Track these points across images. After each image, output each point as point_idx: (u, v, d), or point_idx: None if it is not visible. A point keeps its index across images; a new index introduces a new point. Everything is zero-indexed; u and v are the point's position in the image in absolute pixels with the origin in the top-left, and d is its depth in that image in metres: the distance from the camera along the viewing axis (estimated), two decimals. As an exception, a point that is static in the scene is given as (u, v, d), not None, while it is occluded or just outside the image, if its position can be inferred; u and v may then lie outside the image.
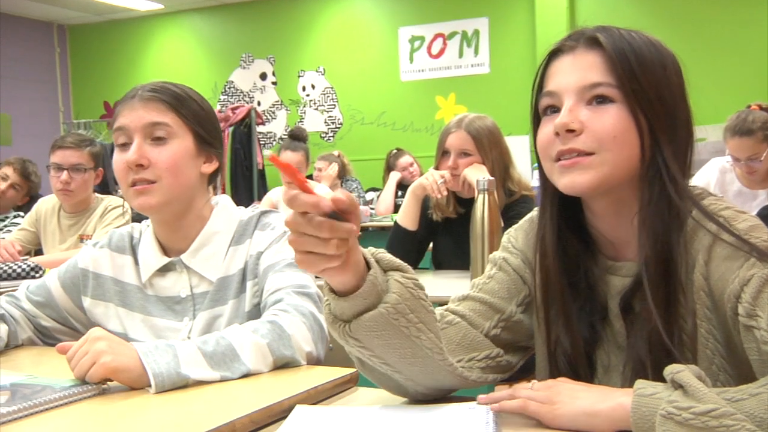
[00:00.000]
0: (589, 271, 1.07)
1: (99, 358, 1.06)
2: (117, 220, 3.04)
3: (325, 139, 8.37)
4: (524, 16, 7.33)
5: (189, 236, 1.42)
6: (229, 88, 8.89)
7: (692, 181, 1.04)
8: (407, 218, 2.51)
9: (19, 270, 2.62)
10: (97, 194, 3.19)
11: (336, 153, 5.83)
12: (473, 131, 2.43)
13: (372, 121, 8.15)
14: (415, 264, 2.54)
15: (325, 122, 8.42)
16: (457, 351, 1.06)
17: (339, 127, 8.36)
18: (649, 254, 0.97)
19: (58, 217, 3.15)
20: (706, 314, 0.96)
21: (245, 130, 7.49)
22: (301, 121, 8.45)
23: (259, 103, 8.64)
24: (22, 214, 3.56)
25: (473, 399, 0.98)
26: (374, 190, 6.56)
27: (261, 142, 8.00)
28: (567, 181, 0.99)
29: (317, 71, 8.42)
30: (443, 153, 2.48)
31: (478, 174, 2.29)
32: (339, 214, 0.81)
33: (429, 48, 7.86)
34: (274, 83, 8.68)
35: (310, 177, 5.09)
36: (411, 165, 5.79)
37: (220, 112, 7.29)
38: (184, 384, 1.09)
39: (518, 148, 6.07)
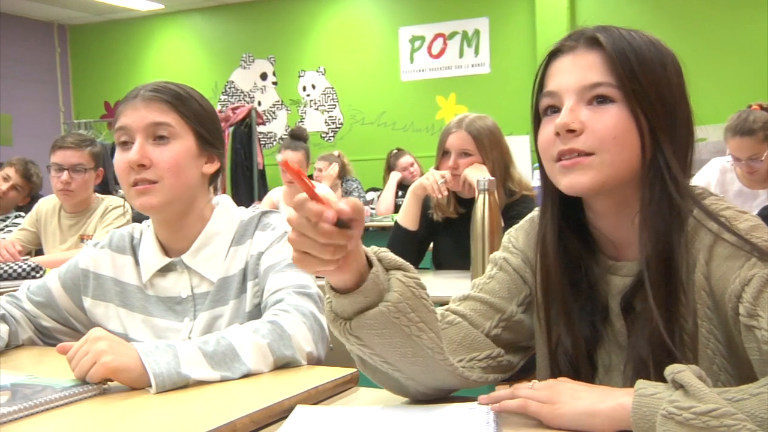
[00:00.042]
0: (590, 271, 1.07)
1: (99, 358, 1.06)
2: (117, 220, 3.04)
3: (326, 139, 8.37)
4: (524, 16, 7.33)
5: (190, 236, 1.42)
6: (230, 88, 8.89)
7: (693, 180, 1.03)
8: (408, 218, 2.51)
9: (19, 270, 2.62)
10: (97, 194, 3.19)
11: (336, 153, 5.83)
12: (474, 131, 2.42)
13: (372, 121, 8.15)
14: (415, 264, 2.53)
15: (326, 122, 8.42)
16: (458, 351, 1.06)
17: (339, 127, 8.36)
18: (650, 254, 0.97)
19: (59, 217, 3.15)
20: (707, 314, 0.96)
21: (246, 130, 7.49)
22: (301, 121, 8.45)
23: (259, 103, 8.64)
24: (23, 214, 3.56)
25: (474, 399, 0.98)
26: (375, 190, 6.56)
27: (261, 142, 8.01)
28: (568, 182, 0.99)
29: (318, 71, 8.42)
30: (444, 153, 2.48)
31: (478, 174, 2.29)
32: (343, 220, 0.81)
33: (429, 48, 7.86)
34: (274, 83, 8.68)
35: (310, 177, 5.08)
36: (411, 165, 5.79)
37: (220, 112, 7.29)
38: (184, 384, 1.09)
39: (519, 148, 6.08)
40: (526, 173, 5.59)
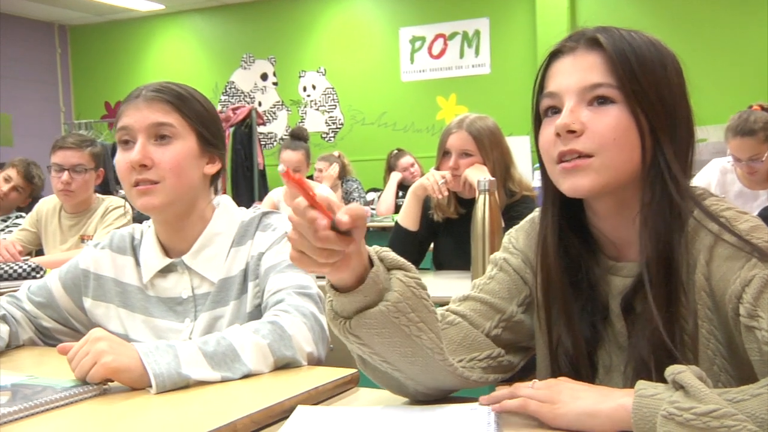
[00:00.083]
0: (590, 271, 1.07)
1: (100, 359, 1.06)
2: (118, 220, 3.04)
3: (326, 139, 8.37)
4: (525, 17, 7.33)
5: (190, 237, 1.42)
6: (230, 88, 8.89)
7: (693, 181, 1.03)
8: (408, 219, 2.51)
9: (20, 270, 2.62)
10: (98, 194, 3.19)
11: (336, 153, 5.83)
12: (474, 132, 2.42)
13: (373, 121, 8.15)
14: (416, 264, 2.52)
15: (326, 123, 8.42)
16: (458, 351, 1.06)
17: (340, 128, 8.36)
18: (650, 254, 0.97)
19: (59, 218, 3.15)
20: (708, 315, 0.96)
21: (246, 130, 7.49)
22: (302, 122, 8.45)
23: (260, 104, 8.64)
24: (23, 214, 3.56)
25: (475, 400, 0.98)
26: (375, 190, 6.56)
27: (262, 143, 8.01)
28: (570, 184, 0.99)
29: (318, 72, 8.42)
30: (444, 153, 2.48)
31: (479, 174, 2.29)
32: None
33: (430, 48, 7.86)
34: (275, 84, 8.68)
35: (310, 177, 5.09)
36: (412, 165, 5.79)
37: (221, 112, 7.29)
38: (184, 384, 1.09)
39: (519, 148, 6.08)
40: (527, 174, 5.59)
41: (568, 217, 1.08)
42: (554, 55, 1.05)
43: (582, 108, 0.99)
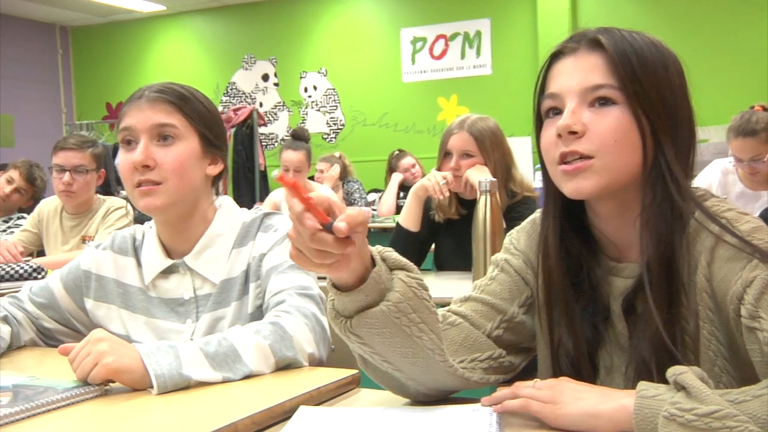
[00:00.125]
0: (591, 272, 1.07)
1: (101, 359, 1.06)
2: (119, 221, 3.05)
3: (327, 140, 8.37)
4: (526, 18, 7.32)
5: (192, 238, 1.42)
6: (231, 89, 8.89)
7: (694, 182, 1.03)
8: (409, 219, 2.51)
9: (21, 271, 2.62)
10: (99, 195, 3.19)
11: (337, 154, 5.83)
12: (475, 132, 2.43)
13: (374, 122, 8.15)
14: (417, 265, 2.52)
15: (327, 123, 8.42)
16: (459, 351, 1.06)
17: (341, 129, 8.36)
18: (651, 256, 0.97)
19: (61, 219, 3.15)
20: (709, 316, 0.96)
21: (247, 131, 7.50)
22: (303, 122, 8.45)
23: (261, 105, 8.64)
24: (25, 215, 3.56)
25: (477, 400, 0.98)
26: (376, 191, 6.56)
27: (263, 144, 8.01)
28: (572, 187, 0.99)
29: (319, 72, 8.43)
30: (445, 154, 2.48)
31: (480, 175, 2.29)
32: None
33: (431, 49, 7.86)
34: (276, 84, 8.68)
35: (311, 178, 5.09)
36: (413, 166, 5.79)
37: (222, 113, 7.29)
38: (186, 385, 1.09)
39: (520, 149, 6.08)
40: (528, 174, 5.59)
41: (569, 218, 1.08)
42: (555, 56, 1.05)
43: (583, 109, 0.99)
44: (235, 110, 7.48)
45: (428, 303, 0.94)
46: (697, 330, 0.96)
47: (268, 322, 1.22)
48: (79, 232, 3.10)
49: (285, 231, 1.40)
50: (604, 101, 0.98)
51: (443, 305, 1.13)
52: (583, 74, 0.99)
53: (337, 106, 8.37)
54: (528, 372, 1.15)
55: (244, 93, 8.82)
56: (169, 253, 1.44)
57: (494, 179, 2.04)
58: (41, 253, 3.23)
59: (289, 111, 8.61)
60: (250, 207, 1.55)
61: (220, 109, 8.18)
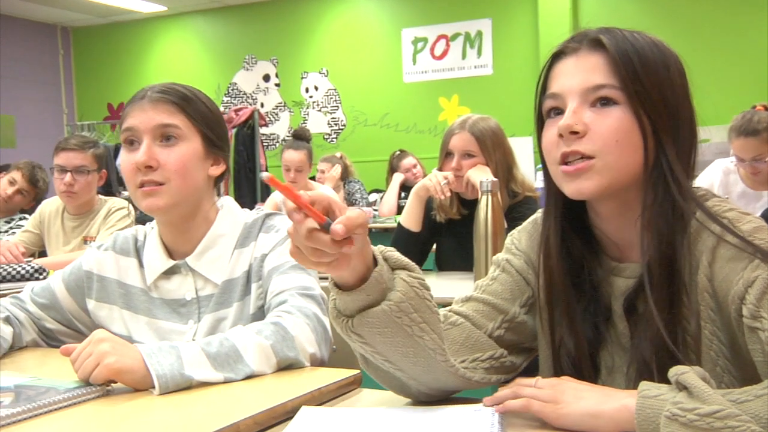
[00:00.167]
0: (593, 273, 1.07)
1: (103, 360, 1.06)
2: (121, 221, 3.05)
3: (329, 140, 8.37)
4: (527, 18, 7.32)
5: (194, 239, 1.42)
6: (233, 89, 8.90)
7: (696, 182, 1.03)
8: (410, 220, 2.51)
9: (22, 272, 2.62)
10: (100, 196, 3.20)
11: (339, 155, 5.83)
12: (477, 132, 2.43)
13: (375, 122, 8.15)
14: (418, 265, 2.53)
15: (329, 123, 8.42)
16: (461, 351, 1.06)
17: (342, 129, 8.37)
18: (652, 256, 0.97)
19: (62, 219, 3.15)
20: (710, 316, 0.95)
21: (248, 131, 7.49)
22: (304, 123, 8.46)
23: (262, 105, 8.65)
24: (27, 216, 3.56)
25: (479, 400, 0.98)
26: (377, 191, 6.56)
27: (264, 144, 8.00)
28: (574, 188, 0.99)
29: (320, 73, 8.43)
30: (447, 154, 2.48)
31: (481, 175, 2.29)
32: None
33: (432, 49, 7.86)
34: (277, 85, 8.69)
35: (312, 178, 5.09)
36: (414, 166, 5.79)
37: (223, 113, 7.28)
38: (187, 385, 1.09)
39: (521, 149, 6.07)
40: (529, 174, 5.59)
41: (570, 218, 1.08)
42: (557, 56, 1.05)
43: (585, 109, 0.99)
44: (236, 111, 7.47)
45: (430, 303, 0.94)
46: (699, 330, 0.96)
47: (270, 322, 1.22)
48: (80, 232, 3.11)
49: (286, 231, 1.40)
50: (606, 101, 0.98)
51: (444, 305, 1.13)
52: (584, 74, 0.99)
53: (338, 106, 8.38)
54: (529, 372, 1.15)
55: (245, 93, 8.83)
56: (171, 254, 1.44)
57: (495, 179, 2.04)
58: (43, 253, 3.23)
59: (290, 111, 8.61)
60: (251, 207, 1.55)
61: (221, 109, 8.19)
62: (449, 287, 2.25)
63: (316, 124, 8.41)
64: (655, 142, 0.98)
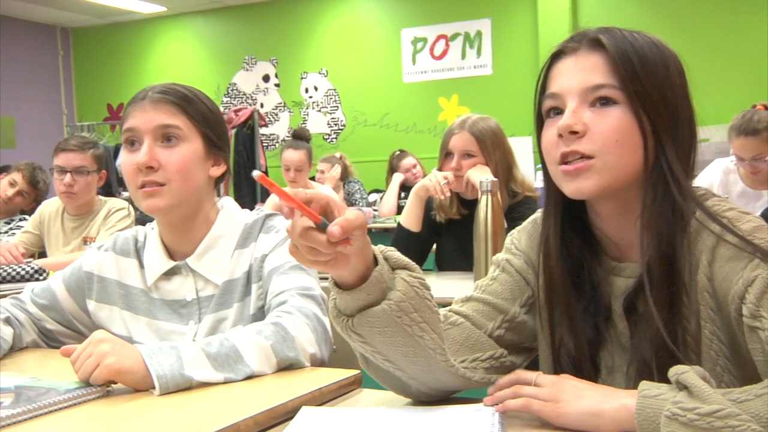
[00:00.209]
0: (593, 272, 1.07)
1: (103, 360, 1.06)
2: (121, 222, 3.05)
3: (328, 140, 8.37)
4: (527, 17, 7.32)
5: (195, 239, 1.42)
6: (232, 90, 8.90)
7: (696, 181, 1.03)
8: (410, 220, 2.51)
9: (22, 272, 2.62)
10: (100, 197, 3.20)
11: (338, 155, 5.84)
12: (476, 132, 2.43)
13: (375, 122, 8.15)
14: (418, 265, 2.53)
15: (328, 124, 8.43)
16: (461, 351, 1.06)
17: (342, 129, 8.37)
18: (652, 255, 0.97)
19: (62, 220, 3.15)
20: (710, 315, 0.95)
21: (248, 132, 7.49)
22: (304, 123, 8.46)
23: (262, 105, 8.65)
24: (27, 217, 3.56)
25: (479, 400, 0.98)
26: (377, 191, 6.56)
27: (264, 144, 8.01)
28: (573, 187, 0.99)
29: (320, 73, 8.43)
30: (446, 154, 2.48)
31: (481, 175, 2.29)
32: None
33: (432, 49, 7.86)
34: (276, 85, 8.69)
35: (312, 178, 5.09)
36: (414, 166, 5.79)
37: (223, 114, 7.27)
38: (187, 386, 1.09)
39: (521, 149, 6.07)
40: (529, 174, 5.58)
41: (570, 218, 1.08)
42: (556, 56, 1.05)
43: (584, 109, 0.99)
44: (236, 111, 7.48)
45: (430, 303, 0.94)
46: (699, 329, 0.96)
47: (270, 322, 1.22)
48: (80, 233, 3.11)
49: (286, 231, 1.40)
50: (605, 101, 0.98)
51: (445, 305, 1.13)
52: (583, 74, 0.99)
53: (338, 106, 8.38)
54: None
55: (244, 94, 8.83)
56: (171, 255, 1.44)
57: (495, 179, 2.04)
58: (43, 254, 3.23)
59: (290, 112, 8.61)
60: (251, 208, 1.56)
61: (220, 110, 8.19)
62: (449, 287, 2.25)
63: (316, 124, 8.42)
64: (654, 142, 0.98)
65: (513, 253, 1.17)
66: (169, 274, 1.43)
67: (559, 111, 1.01)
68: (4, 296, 1.54)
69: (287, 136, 8.28)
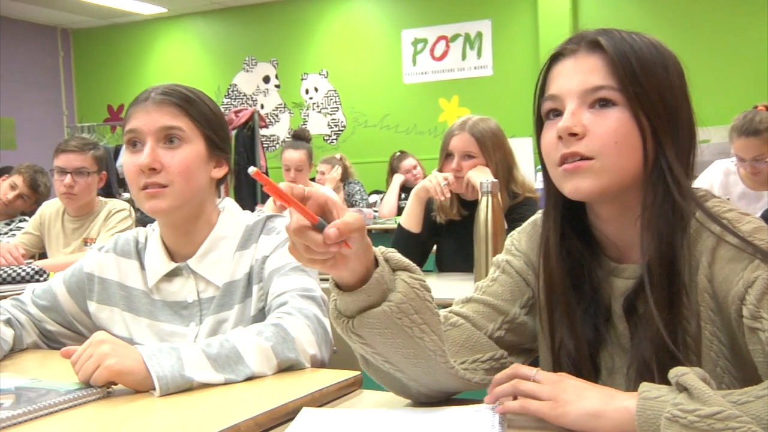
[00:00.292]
0: (592, 273, 1.07)
1: (103, 361, 1.06)
2: (121, 223, 3.05)
3: (329, 141, 8.37)
4: (527, 19, 7.33)
5: (196, 241, 1.42)
6: (233, 91, 8.90)
7: (696, 182, 1.03)
8: (411, 221, 2.51)
9: (23, 273, 2.62)
10: (101, 198, 3.20)
11: (338, 156, 5.84)
12: (477, 133, 2.43)
13: (375, 123, 8.15)
14: (418, 266, 2.53)
15: (329, 125, 8.43)
16: (461, 352, 1.06)
17: (342, 130, 8.37)
18: (652, 256, 0.97)
19: (62, 221, 3.15)
20: (710, 316, 0.95)
21: (249, 133, 7.50)
22: (304, 124, 8.46)
23: (262, 106, 8.65)
24: (27, 218, 3.56)
25: (479, 401, 0.98)
26: (378, 192, 6.56)
27: (264, 145, 8.01)
28: (572, 187, 0.99)
29: (320, 74, 8.43)
30: (447, 155, 2.48)
31: (481, 176, 2.30)
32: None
33: (432, 50, 7.87)
34: (277, 86, 8.69)
35: (312, 179, 5.09)
36: (414, 167, 5.79)
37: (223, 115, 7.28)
38: (188, 387, 1.09)
39: (521, 150, 6.06)
40: (529, 175, 5.58)
41: (570, 219, 1.08)
42: (555, 57, 1.05)
43: (583, 110, 0.99)
44: (236, 112, 7.48)
45: (430, 304, 0.94)
46: (699, 331, 0.96)
47: (270, 323, 1.22)
48: (80, 234, 3.11)
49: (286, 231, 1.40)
50: (604, 102, 0.98)
51: (445, 306, 1.13)
52: (583, 76, 0.99)
53: (338, 107, 8.38)
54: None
55: (245, 95, 8.83)
56: (172, 256, 1.44)
57: (495, 180, 2.04)
58: (43, 255, 3.23)
59: (290, 113, 8.62)
60: (251, 209, 1.56)
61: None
62: (449, 288, 2.25)
63: (316, 125, 8.42)
64: (654, 143, 0.98)
65: (513, 254, 1.17)
66: (171, 275, 1.43)
67: (558, 113, 1.01)
68: (5, 297, 1.54)
69: (287, 137, 8.28)
